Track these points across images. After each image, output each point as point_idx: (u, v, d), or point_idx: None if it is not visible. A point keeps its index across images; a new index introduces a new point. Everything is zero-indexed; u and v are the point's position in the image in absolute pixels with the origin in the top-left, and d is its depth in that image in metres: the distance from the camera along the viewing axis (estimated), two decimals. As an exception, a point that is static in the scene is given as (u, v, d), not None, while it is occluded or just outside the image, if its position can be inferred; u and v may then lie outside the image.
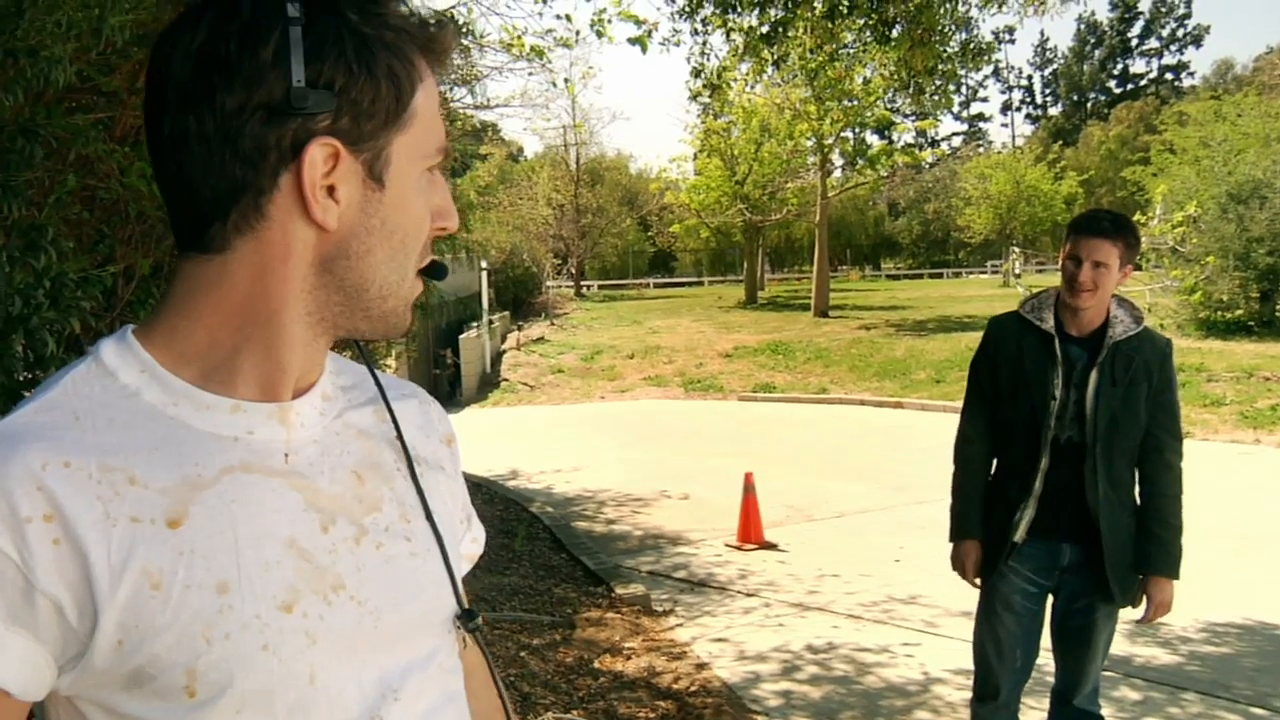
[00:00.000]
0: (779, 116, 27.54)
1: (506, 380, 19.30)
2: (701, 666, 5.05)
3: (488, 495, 9.26)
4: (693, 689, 4.76)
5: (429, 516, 0.97)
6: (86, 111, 4.63)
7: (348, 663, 0.88)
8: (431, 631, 0.96)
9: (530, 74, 6.83)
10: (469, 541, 1.11)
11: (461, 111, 8.36)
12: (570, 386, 18.27)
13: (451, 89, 8.11)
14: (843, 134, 27.24)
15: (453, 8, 6.16)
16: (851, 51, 8.82)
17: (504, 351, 22.04)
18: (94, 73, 4.83)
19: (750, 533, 7.37)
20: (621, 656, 5.13)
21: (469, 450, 8.61)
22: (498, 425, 15.06)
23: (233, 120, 0.81)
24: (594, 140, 43.19)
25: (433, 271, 0.96)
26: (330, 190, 0.84)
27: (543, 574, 6.66)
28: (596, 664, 5.02)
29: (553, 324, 26.52)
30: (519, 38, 7.08)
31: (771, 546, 7.34)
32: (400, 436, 1.00)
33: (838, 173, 31.59)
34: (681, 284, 47.28)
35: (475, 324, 21.27)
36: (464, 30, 5.59)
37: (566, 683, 4.77)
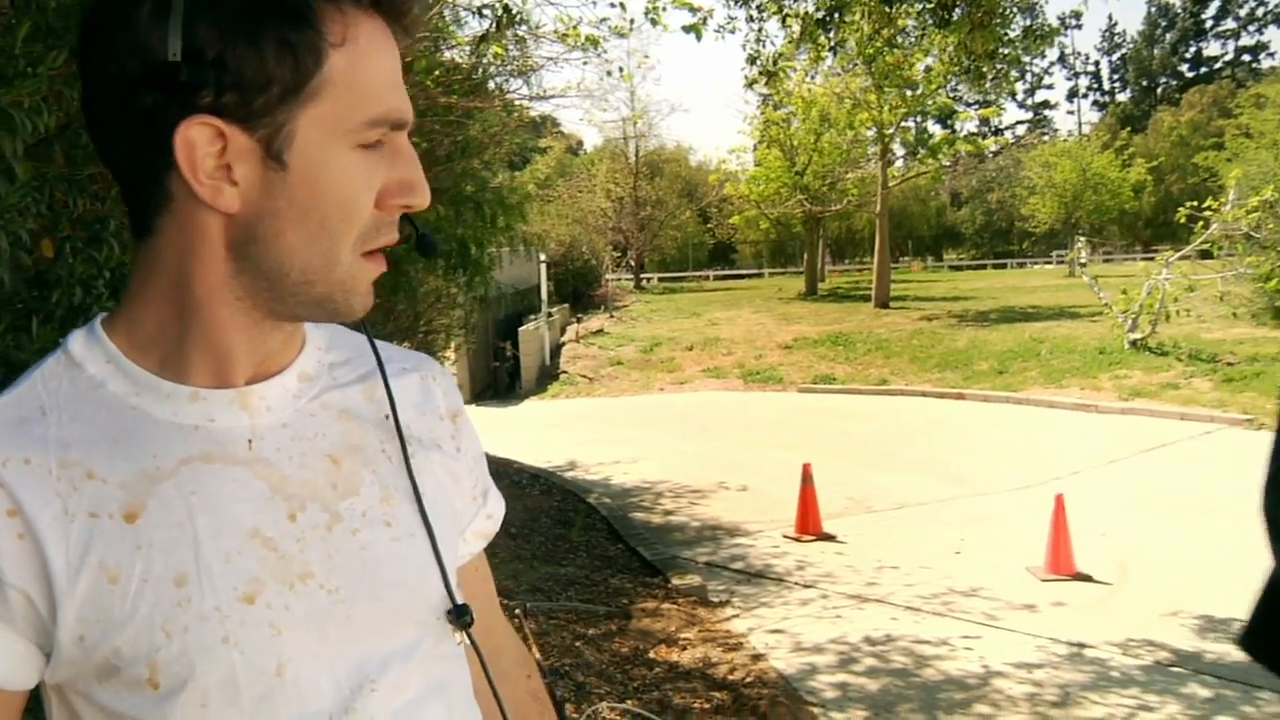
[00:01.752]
0: (839, 106, 27.27)
1: (565, 372, 19.35)
2: (757, 657, 5.01)
3: (545, 486, 9.29)
4: (748, 680, 4.73)
5: (418, 499, 0.93)
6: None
7: (319, 654, 0.86)
8: (415, 619, 0.92)
9: (585, 64, 6.80)
10: (482, 519, 1.07)
11: (518, 103, 8.36)
12: (629, 378, 18.27)
13: (507, 80, 8.11)
14: (904, 123, 26.92)
15: (507, -1, 6.16)
16: (911, 38, 8.68)
17: (563, 344, 22.11)
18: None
19: (808, 524, 7.31)
20: (677, 647, 5.12)
21: (528, 441, 8.70)
22: (556, 417, 15.11)
23: (115, 92, 0.78)
24: (653, 133, 43.18)
25: (420, 248, 0.91)
26: (228, 170, 0.79)
27: (599, 564, 6.66)
28: (652, 654, 5.00)
29: (612, 316, 26.54)
30: (574, 28, 7.06)
31: (830, 538, 7.27)
32: (394, 415, 0.95)
33: (899, 162, 31.23)
34: (741, 276, 47.07)
35: (534, 316, 21.36)
36: (518, 20, 5.59)
37: (621, 673, 4.76)
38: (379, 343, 1.03)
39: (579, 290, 31.76)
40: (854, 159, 30.10)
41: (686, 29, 5.83)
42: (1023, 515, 7.45)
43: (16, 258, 2.78)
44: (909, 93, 24.67)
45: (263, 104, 0.78)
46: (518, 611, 5.13)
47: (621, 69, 6.45)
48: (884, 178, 26.83)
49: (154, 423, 0.85)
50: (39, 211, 3.21)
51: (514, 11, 5.40)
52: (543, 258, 22.73)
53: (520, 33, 6.66)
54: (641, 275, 41.37)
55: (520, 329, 19.94)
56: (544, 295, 22.16)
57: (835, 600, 5.94)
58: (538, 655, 4.64)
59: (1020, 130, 72.88)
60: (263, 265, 0.83)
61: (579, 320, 25.57)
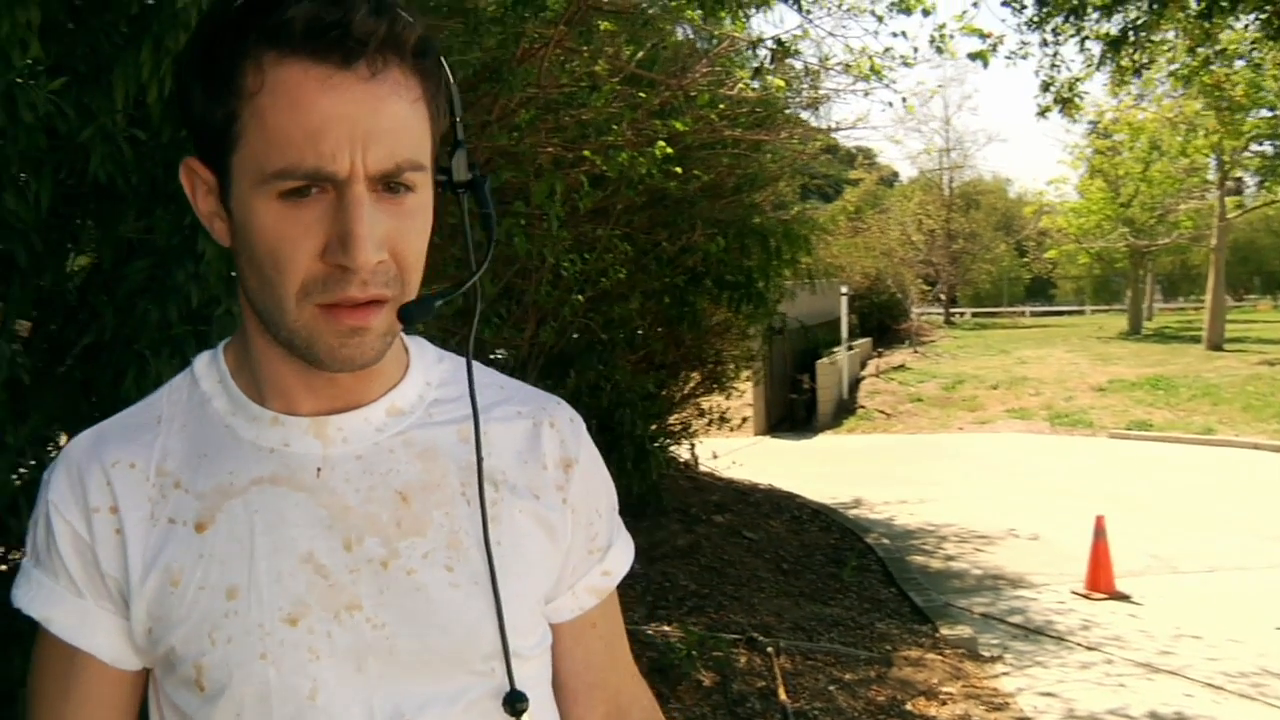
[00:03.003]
0: (1172, 131, 25.22)
1: (863, 407, 19.00)
2: (1023, 721, 4.69)
3: (825, 523, 9.12)
4: (1010, 744, 4.43)
5: (487, 548, 0.91)
6: (444, 144, 5.07)
7: (355, 684, 0.87)
8: (465, 667, 0.91)
9: (867, 94, 6.67)
10: (597, 575, 1.04)
11: (804, 135, 8.33)
12: (928, 416, 17.70)
13: (796, 112, 8.10)
14: (1257, 145, 24.37)
15: (793, 30, 6.17)
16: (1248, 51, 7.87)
17: (862, 378, 21.72)
18: (453, 109, 5.28)
19: (1100, 581, 6.76)
20: (937, 701, 4.87)
21: (816, 476, 8.62)
22: (848, 452, 14.86)
23: None
24: (969, 164, 41.81)
25: (400, 313, 0.85)
26: (221, 206, 0.85)
27: (867, 607, 6.46)
28: (909, 706, 4.79)
29: (916, 351, 25.83)
30: (870, 58, 6.96)
31: (1124, 598, 6.69)
32: (478, 461, 0.93)
33: (1250, 190, 28.44)
34: (1060, 312, 44.60)
35: (833, 349, 21.10)
36: (791, 53, 5.59)
37: (873, 722, 4.59)
38: (511, 382, 1.04)
39: (884, 324, 31.08)
40: (1188, 189, 27.73)
41: (972, 56, 5.60)
42: (1363, 591, 6.57)
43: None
44: (1265, 115, 22.29)
45: (208, 148, 0.82)
46: (769, 649, 5.06)
47: (905, 100, 6.28)
48: (1222, 208, 24.59)
49: (239, 441, 0.91)
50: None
51: (786, 44, 5.39)
52: (844, 290, 22.44)
53: (809, 64, 6.66)
54: (952, 310, 40.05)
55: (818, 362, 19.77)
56: (844, 328, 21.85)
57: (1121, 667, 5.45)
58: (784, 697, 4.56)
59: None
60: (249, 301, 0.87)
61: (880, 354, 25.06)
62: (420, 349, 1.01)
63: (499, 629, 0.90)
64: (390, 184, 0.81)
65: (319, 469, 0.90)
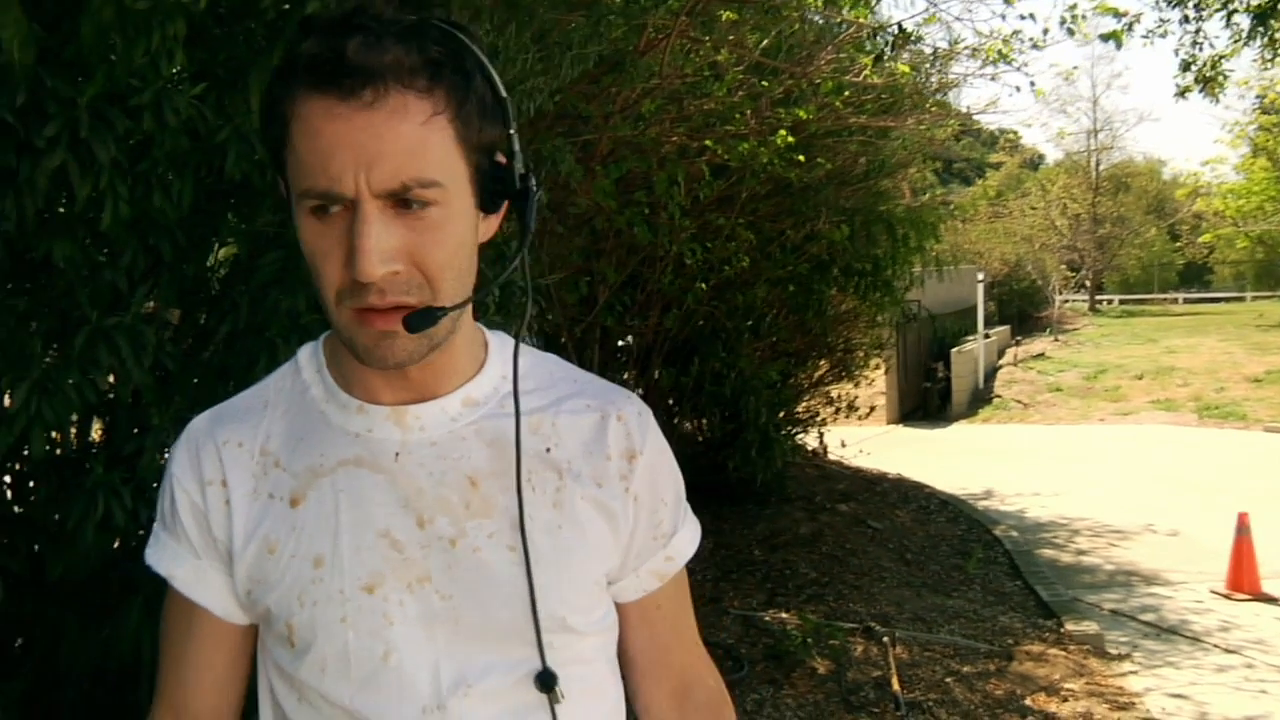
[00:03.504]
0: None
1: (999, 397, 18.55)
2: (1150, 722, 4.56)
3: (953, 514, 8.97)
4: (1134, 744, 4.33)
5: (521, 531, 0.97)
6: (570, 135, 5.18)
7: (424, 650, 0.96)
8: (525, 640, 0.98)
9: (994, 78, 6.51)
10: (660, 560, 1.10)
11: (952, 120, 8.17)
12: (1067, 406, 17.17)
13: (924, 98, 7.95)
14: None
15: (920, 15, 6.08)
16: None
17: (999, 367, 21.19)
18: (577, 100, 5.38)
19: (1243, 580, 6.49)
20: (1058, 697, 4.78)
21: (948, 466, 8.44)
22: (983, 443, 14.53)
23: None
24: (1118, 145, 40.23)
25: (404, 321, 0.90)
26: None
27: (991, 600, 6.35)
28: (1028, 701, 4.71)
29: (1057, 340, 25.04)
30: (1003, 40, 6.81)
31: (1270, 599, 6.40)
32: (517, 451, 0.99)
33: None
34: (1216, 299, 42.46)
35: (969, 337, 20.63)
36: (913, 39, 5.51)
37: (990, 716, 4.53)
38: (585, 375, 1.11)
39: (1024, 311, 30.22)
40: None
41: (1104, 37, 5.43)
42: None
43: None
44: None
45: (276, 165, 0.91)
46: (885, 639, 5.05)
47: (1033, 83, 6.10)
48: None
49: (330, 426, 1.01)
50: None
51: (908, 31, 5.32)
52: (980, 277, 21.91)
53: (937, 48, 6.54)
54: (1099, 297, 38.66)
55: (953, 350, 19.38)
56: (980, 316, 21.34)
57: (1262, 672, 5.23)
58: (897, 687, 4.55)
59: None
60: None
61: (1018, 343, 24.39)
62: (502, 344, 1.08)
63: (531, 608, 0.97)
64: (404, 200, 0.87)
65: (397, 454, 0.99)
